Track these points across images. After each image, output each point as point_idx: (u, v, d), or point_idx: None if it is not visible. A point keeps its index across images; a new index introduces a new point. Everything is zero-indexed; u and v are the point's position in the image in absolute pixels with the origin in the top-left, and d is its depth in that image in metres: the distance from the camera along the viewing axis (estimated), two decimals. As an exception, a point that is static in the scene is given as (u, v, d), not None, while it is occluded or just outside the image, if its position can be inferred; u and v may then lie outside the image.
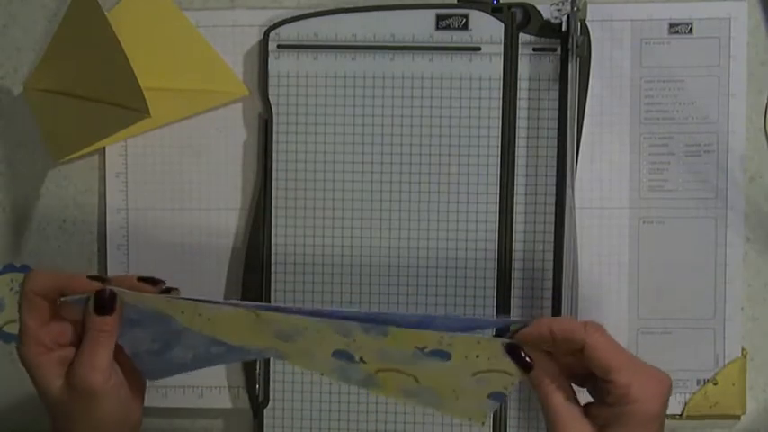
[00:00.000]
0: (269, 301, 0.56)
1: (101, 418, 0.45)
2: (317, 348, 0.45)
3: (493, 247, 0.55)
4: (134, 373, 0.47)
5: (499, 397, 0.45)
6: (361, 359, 0.45)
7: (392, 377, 0.45)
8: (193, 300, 0.45)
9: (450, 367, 0.44)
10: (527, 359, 0.43)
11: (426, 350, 0.44)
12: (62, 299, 0.46)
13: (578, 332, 0.41)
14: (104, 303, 0.45)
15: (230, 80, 0.57)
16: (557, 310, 0.55)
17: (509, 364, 0.43)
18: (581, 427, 0.42)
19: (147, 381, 0.49)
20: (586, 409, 0.42)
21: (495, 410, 0.55)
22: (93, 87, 0.53)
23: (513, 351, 0.43)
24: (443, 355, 0.44)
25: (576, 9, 0.52)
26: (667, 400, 0.42)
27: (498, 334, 0.45)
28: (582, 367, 0.42)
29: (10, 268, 0.59)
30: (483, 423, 0.47)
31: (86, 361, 0.45)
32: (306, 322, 0.44)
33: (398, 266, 0.56)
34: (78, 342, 0.46)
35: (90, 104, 0.54)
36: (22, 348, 0.46)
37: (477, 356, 0.44)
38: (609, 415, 0.41)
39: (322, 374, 0.46)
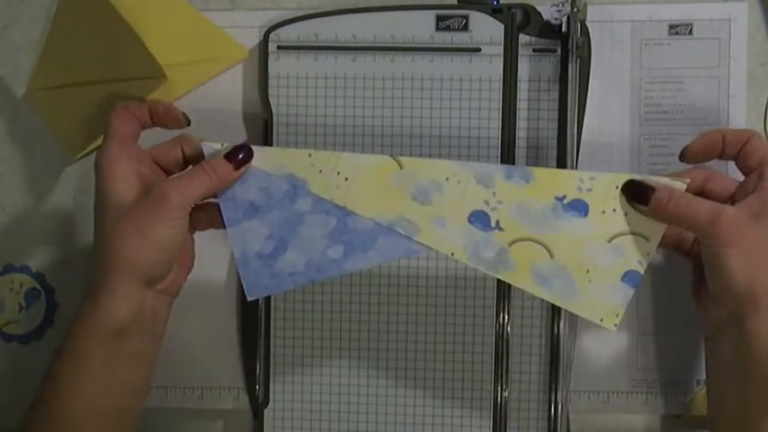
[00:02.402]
0: (268, 301, 0.56)
1: (161, 237, 0.45)
2: (455, 211, 0.44)
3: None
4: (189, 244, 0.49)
5: (634, 279, 0.45)
6: (497, 224, 0.44)
7: (525, 250, 0.44)
8: (335, 153, 0.45)
9: (586, 228, 0.44)
10: (645, 185, 0.45)
11: (566, 201, 0.44)
12: (204, 143, 0.47)
13: (745, 132, 0.47)
14: (244, 156, 0.46)
15: (229, 45, 0.57)
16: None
17: (646, 224, 0.44)
18: (728, 209, 0.44)
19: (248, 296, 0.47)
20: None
21: (495, 411, 0.55)
22: (101, 69, 0.54)
23: (632, 185, 0.45)
24: (581, 209, 0.44)
25: (575, 10, 0.52)
26: None
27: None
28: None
29: (10, 268, 0.59)
30: (615, 326, 0.46)
31: (182, 184, 0.45)
32: (448, 168, 0.44)
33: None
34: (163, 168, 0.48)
35: (101, 87, 0.54)
36: (103, 151, 0.46)
37: (614, 210, 0.44)
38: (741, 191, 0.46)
39: (453, 255, 0.45)
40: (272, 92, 0.56)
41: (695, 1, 0.56)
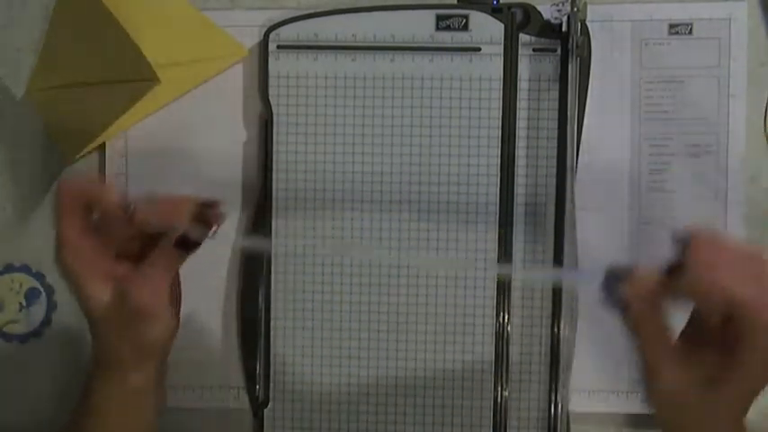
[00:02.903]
0: (268, 301, 0.56)
1: (148, 337, 0.45)
2: None
3: (493, 247, 0.55)
4: (174, 288, 0.47)
5: None
6: None
7: None
8: None
9: None
10: (620, 297, 0.40)
11: None
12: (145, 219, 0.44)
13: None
14: (196, 244, 0.44)
15: (229, 44, 0.57)
16: (556, 310, 0.55)
17: None
18: (672, 375, 0.39)
19: None
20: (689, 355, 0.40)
21: (495, 411, 0.55)
22: (96, 71, 0.54)
23: (608, 283, 0.40)
24: None
25: (576, 9, 0.52)
26: None
27: None
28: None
29: (10, 269, 0.59)
30: None
31: (148, 286, 0.44)
32: None
33: (398, 267, 0.56)
34: (119, 258, 0.45)
35: (97, 89, 0.54)
36: (60, 257, 0.44)
37: None
38: (721, 359, 0.38)
39: None
40: (272, 91, 0.56)
41: (695, 1, 0.56)
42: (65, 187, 0.45)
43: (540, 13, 0.55)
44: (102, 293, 0.44)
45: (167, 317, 0.45)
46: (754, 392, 0.39)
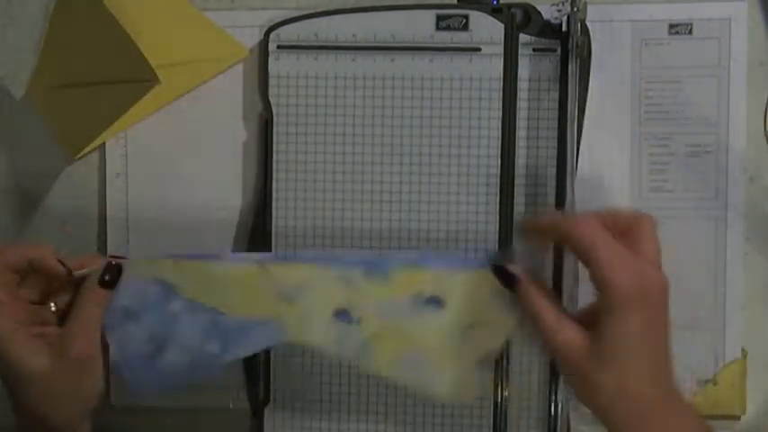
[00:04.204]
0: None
1: (87, 389, 0.46)
2: (319, 309, 0.47)
3: (494, 247, 0.55)
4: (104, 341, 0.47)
5: (486, 367, 0.47)
6: (359, 320, 0.47)
7: (387, 342, 0.47)
8: (199, 258, 0.47)
9: (443, 320, 0.47)
10: (512, 274, 0.45)
11: (422, 296, 0.46)
12: (76, 273, 0.46)
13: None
14: (112, 276, 0.46)
15: (229, 44, 0.57)
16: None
17: (498, 313, 0.46)
18: (569, 332, 0.42)
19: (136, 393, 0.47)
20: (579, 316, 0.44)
21: (495, 411, 0.55)
22: (96, 70, 0.54)
23: (499, 269, 0.46)
24: (437, 303, 0.47)
25: (576, 9, 0.52)
26: (654, 306, 0.42)
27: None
28: None
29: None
30: (472, 400, 0.50)
31: (83, 332, 0.45)
32: (311, 272, 0.47)
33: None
34: (47, 321, 0.46)
35: (97, 89, 0.54)
36: None
37: (469, 303, 0.46)
38: (593, 310, 0.42)
39: (320, 346, 0.47)
40: (272, 92, 0.56)
41: (695, 1, 0.56)
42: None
43: (540, 13, 0.55)
44: (35, 354, 0.44)
45: (99, 365, 0.46)
46: (627, 335, 0.41)
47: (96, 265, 0.47)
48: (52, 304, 0.47)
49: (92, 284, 0.46)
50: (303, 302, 0.46)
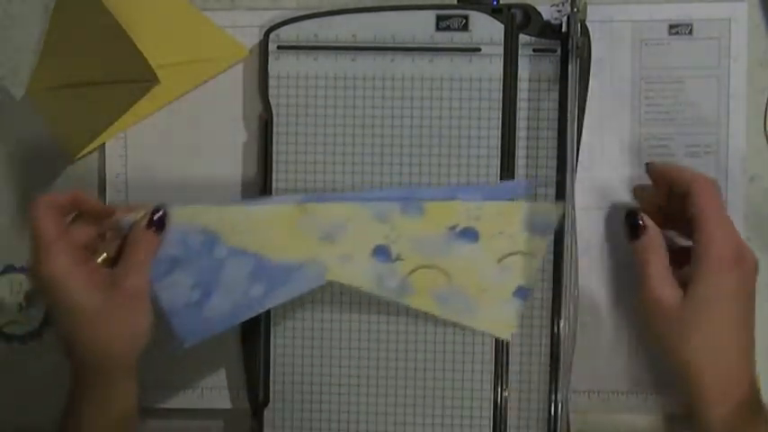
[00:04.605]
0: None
1: (139, 325, 0.48)
2: (358, 247, 0.49)
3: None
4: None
5: (524, 294, 0.50)
6: (398, 256, 0.49)
7: (425, 276, 0.49)
8: (241, 203, 0.50)
9: (477, 252, 0.49)
10: (642, 223, 0.50)
11: (457, 229, 0.49)
12: (123, 218, 0.49)
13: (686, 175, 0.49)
14: (159, 221, 0.49)
15: (229, 44, 0.57)
16: (556, 310, 0.55)
17: (531, 242, 0.49)
18: (669, 288, 0.48)
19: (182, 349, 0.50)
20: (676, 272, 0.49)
21: (495, 411, 0.55)
22: (96, 71, 0.54)
23: (632, 215, 0.50)
24: (471, 236, 0.49)
25: (576, 10, 0.52)
26: (746, 274, 0.47)
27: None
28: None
29: (10, 269, 0.59)
30: (510, 335, 0.51)
31: (135, 269, 0.47)
32: (349, 210, 0.49)
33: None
34: (96, 267, 0.48)
35: (97, 89, 0.54)
36: (44, 266, 0.46)
37: (502, 233, 0.49)
38: (686, 274, 0.48)
39: (361, 288, 0.50)
40: (272, 92, 0.56)
41: (695, 1, 0.56)
42: (42, 198, 0.47)
43: (540, 13, 0.55)
44: (89, 291, 0.46)
45: (151, 305, 0.48)
46: (720, 293, 0.47)
47: (143, 211, 0.49)
48: (100, 257, 0.49)
49: (141, 228, 0.48)
50: (343, 242, 0.48)
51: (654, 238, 0.49)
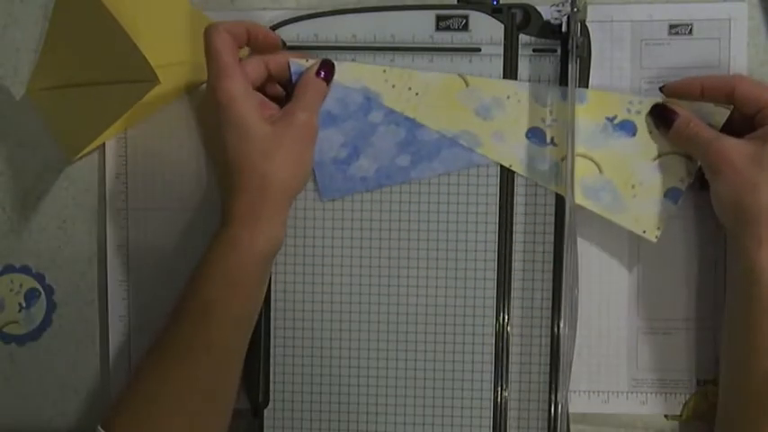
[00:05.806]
0: (268, 301, 0.56)
1: (303, 163, 0.50)
2: (514, 127, 0.50)
3: (493, 247, 0.55)
4: None
5: (675, 195, 0.50)
6: (552, 140, 0.50)
7: (577, 165, 0.49)
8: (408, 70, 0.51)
9: (633, 147, 0.49)
10: (672, 110, 0.50)
11: (616, 121, 0.49)
12: (294, 60, 0.52)
13: (726, 79, 0.50)
14: (328, 71, 0.52)
15: None
16: (556, 310, 0.55)
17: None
18: (728, 140, 0.48)
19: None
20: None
21: (495, 411, 0.55)
22: (97, 71, 0.54)
23: (659, 107, 0.51)
24: (629, 129, 0.50)
25: (576, 10, 0.52)
26: None
27: None
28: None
29: (10, 269, 0.59)
30: (656, 238, 0.51)
31: (306, 107, 0.50)
32: (509, 88, 0.50)
33: (398, 267, 0.56)
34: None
35: (97, 89, 0.54)
36: (226, 81, 0.48)
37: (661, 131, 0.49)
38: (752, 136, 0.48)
39: (510, 167, 0.51)
40: (272, 92, 0.56)
41: (695, 1, 0.56)
42: (219, 24, 0.49)
43: (540, 13, 0.55)
44: (261, 121, 0.49)
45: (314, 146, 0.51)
46: None
47: (312, 60, 0.52)
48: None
49: (311, 74, 0.52)
50: (499, 119, 0.49)
51: (688, 114, 0.50)
